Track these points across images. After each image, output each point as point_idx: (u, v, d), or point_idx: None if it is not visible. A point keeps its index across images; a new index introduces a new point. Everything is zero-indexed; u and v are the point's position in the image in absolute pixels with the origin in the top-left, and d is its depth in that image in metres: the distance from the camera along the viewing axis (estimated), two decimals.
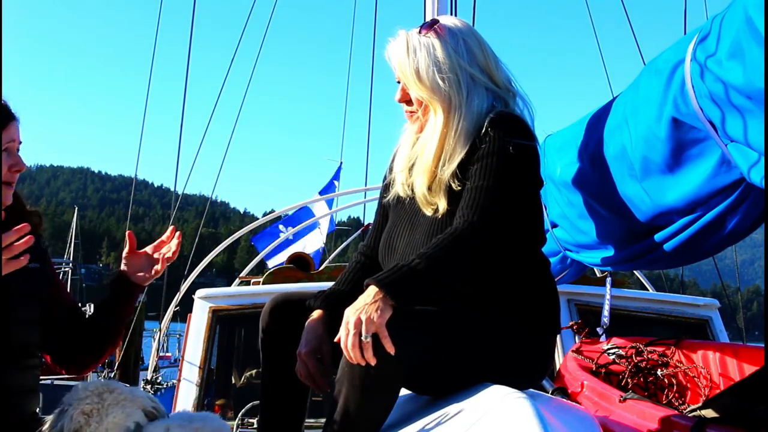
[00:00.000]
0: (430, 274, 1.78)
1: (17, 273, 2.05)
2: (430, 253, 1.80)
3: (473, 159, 1.94)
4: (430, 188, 1.98)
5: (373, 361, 1.67)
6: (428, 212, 2.01)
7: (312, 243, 9.31)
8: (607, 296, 3.02)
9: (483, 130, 1.96)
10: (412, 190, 2.06)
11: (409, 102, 2.08)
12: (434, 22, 2.07)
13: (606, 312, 2.98)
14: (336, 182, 10.41)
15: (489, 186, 1.88)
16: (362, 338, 1.67)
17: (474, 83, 2.01)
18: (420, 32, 2.04)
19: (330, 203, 9.37)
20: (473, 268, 1.84)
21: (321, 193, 10.09)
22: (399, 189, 2.13)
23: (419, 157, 2.03)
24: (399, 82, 2.10)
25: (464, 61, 2.01)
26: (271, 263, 8.82)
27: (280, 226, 9.45)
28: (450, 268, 1.81)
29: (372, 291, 1.73)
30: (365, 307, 1.70)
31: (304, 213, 9.44)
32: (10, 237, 1.82)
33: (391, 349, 1.67)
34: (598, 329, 2.99)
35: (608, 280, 3.04)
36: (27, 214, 2.19)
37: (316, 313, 2.04)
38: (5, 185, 2.07)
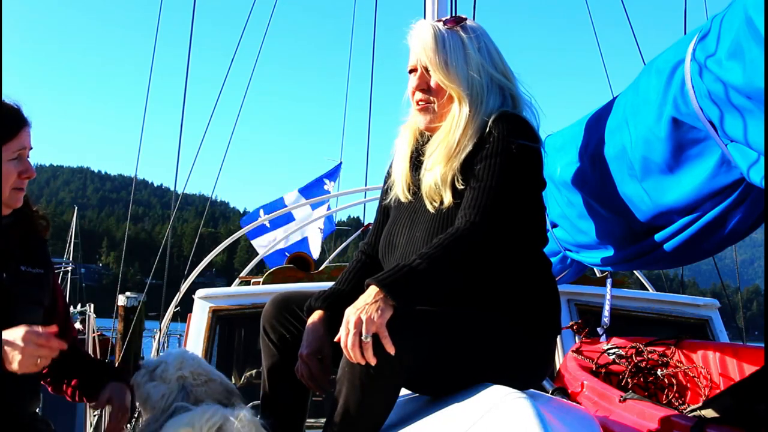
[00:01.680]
0: (430, 274, 1.78)
1: (22, 279, 2.05)
2: (431, 253, 1.80)
3: (477, 158, 1.94)
4: (441, 178, 1.98)
5: (373, 361, 1.67)
6: (431, 208, 2.01)
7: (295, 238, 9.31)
8: (608, 296, 3.02)
9: (487, 129, 1.97)
10: (416, 188, 2.07)
11: (424, 90, 2.08)
12: (461, 19, 2.11)
13: (606, 312, 2.99)
14: (328, 180, 10.31)
15: (491, 186, 1.89)
16: (362, 338, 1.67)
17: (492, 84, 2.05)
18: (445, 24, 2.07)
19: (315, 206, 9.34)
20: (474, 268, 1.84)
21: (305, 189, 10.03)
22: (399, 192, 2.13)
23: (441, 144, 2.01)
24: (413, 71, 2.10)
25: (486, 62, 2.05)
26: (255, 242, 9.09)
27: (261, 212, 9.56)
28: (451, 268, 1.81)
29: (372, 291, 1.74)
30: (365, 307, 1.70)
31: (280, 203, 9.55)
32: (49, 341, 1.86)
33: (391, 349, 1.67)
34: (598, 329, 2.99)
35: (609, 280, 3.04)
36: (35, 218, 2.18)
37: (317, 314, 2.04)
38: (16, 190, 2.09)
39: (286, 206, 9.26)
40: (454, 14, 3.09)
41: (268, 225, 9.31)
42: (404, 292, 1.74)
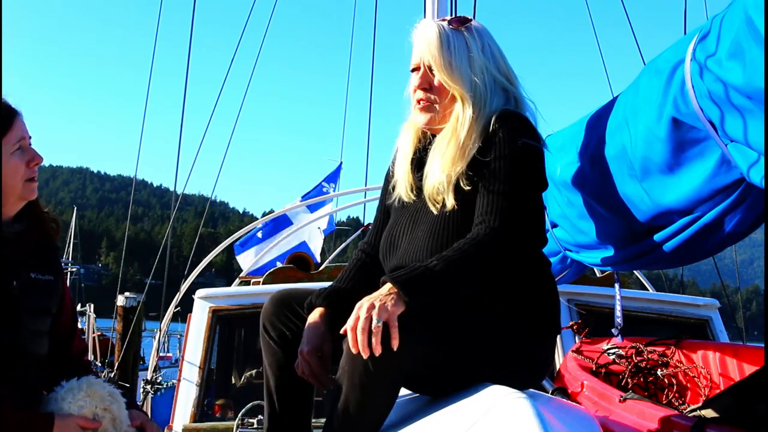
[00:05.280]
0: (446, 276, 1.78)
1: (32, 286, 2.03)
2: (449, 255, 1.81)
3: (485, 160, 1.94)
4: (446, 181, 1.97)
5: (379, 349, 1.66)
6: (433, 210, 2.01)
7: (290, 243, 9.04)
8: (618, 296, 3.02)
9: (491, 128, 1.97)
10: (418, 189, 2.07)
11: (426, 89, 2.07)
12: (466, 19, 2.10)
13: (618, 312, 2.99)
14: (327, 184, 10.21)
15: (506, 190, 1.89)
16: (373, 323, 1.67)
17: (495, 86, 2.05)
18: (450, 24, 2.06)
19: (313, 208, 9.18)
20: (490, 274, 1.85)
21: (306, 196, 9.85)
22: (402, 192, 2.13)
23: (447, 146, 2.00)
24: (416, 70, 2.09)
25: (489, 64, 2.05)
26: (241, 258, 8.77)
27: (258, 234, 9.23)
28: (467, 273, 1.82)
29: (387, 287, 1.75)
30: (379, 296, 1.71)
31: (282, 220, 9.16)
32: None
33: (396, 341, 1.66)
34: (613, 330, 3.00)
35: (617, 282, 3.04)
36: (45, 219, 2.16)
37: (318, 311, 2.04)
38: (29, 182, 2.04)
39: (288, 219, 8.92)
40: (454, 14, 3.09)
41: (260, 236, 8.97)
42: (418, 291, 1.74)
